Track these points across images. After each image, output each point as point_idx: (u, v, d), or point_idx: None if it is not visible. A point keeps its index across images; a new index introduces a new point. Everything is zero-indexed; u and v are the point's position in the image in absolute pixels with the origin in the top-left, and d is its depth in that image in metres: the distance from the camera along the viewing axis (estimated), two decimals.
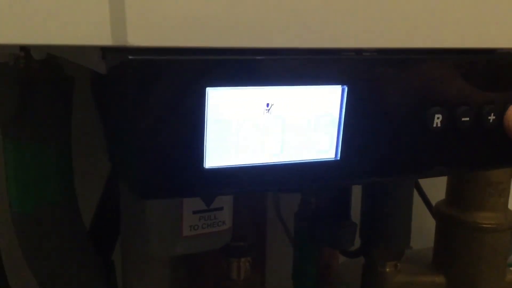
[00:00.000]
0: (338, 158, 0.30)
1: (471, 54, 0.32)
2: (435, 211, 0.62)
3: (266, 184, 0.30)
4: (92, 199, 0.52)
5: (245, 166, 0.29)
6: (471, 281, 0.59)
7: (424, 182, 0.67)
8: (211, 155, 0.28)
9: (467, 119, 0.31)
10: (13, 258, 0.48)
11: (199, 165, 0.27)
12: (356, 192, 0.59)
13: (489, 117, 0.32)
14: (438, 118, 0.31)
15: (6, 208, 0.45)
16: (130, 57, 0.25)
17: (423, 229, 0.65)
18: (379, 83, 0.30)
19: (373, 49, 0.30)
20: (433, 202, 0.63)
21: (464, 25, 0.31)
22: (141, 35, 0.25)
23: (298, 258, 0.63)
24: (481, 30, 0.32)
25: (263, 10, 0.26)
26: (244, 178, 0.29)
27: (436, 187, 0.63)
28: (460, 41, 0.31)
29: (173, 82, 0.26)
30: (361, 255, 0.61)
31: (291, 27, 0.27)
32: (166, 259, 0.50)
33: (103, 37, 0.25)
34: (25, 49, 0.39)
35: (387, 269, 0.60)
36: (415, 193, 0.63)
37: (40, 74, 0.41)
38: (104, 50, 0.28)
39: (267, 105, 0.28)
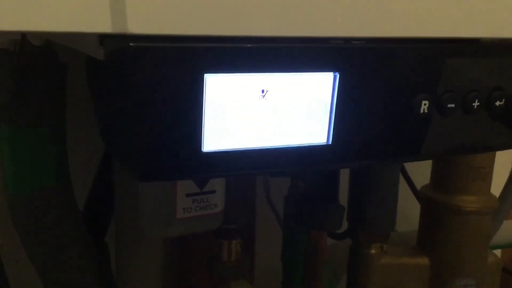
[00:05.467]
0: (330, 143, 0.31)
1: (456, 43, 0.33)
2: (420, 195, 0.63)
3: (260, 167, 0.31)
4: (86, 181, 0.53)
5: (241, 150, 0.29)
6: (454, 263, 0.60)
7: (410, 168, 0.68)
8: (209, 139, 0.28)
9: (453, 105, 0.33)
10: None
11: (197, 148, 0.28)
12: (345, 176, 0.60)
13: (473, 104, 0.33)
14: (425, 104, 0.32)
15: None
16: (131, 44, 0.25)
17: (408, 212, 0.66)
18: (368, 70, 0.31)
19: (362, 38, 0.31)
20: (418, 187, 0.64)
21: (451, 15, 0.32)
22: (141, 23, 0.25)
23: (287, 240, 0.64)
24: (467, 20, 0.33)
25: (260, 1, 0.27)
26: (240, 161, 0.30)
27: (421, 172, 0.64)
28: (446, 30, 0.32)
29: (172, 69, 0.26)
30: (348, 237, 0.62)
31: (284, 16, 0.28)
32: (159, 241, 0.51)
33: (102, 24, 0.25)
34: (22, 36, 0.40)
35: (373, 251, 0.61)
36: (401, 178, 0.64)
37: (35, 61, 0.41)
38: (102, 37, 0.28)
39: (262, 91, 0.29)
